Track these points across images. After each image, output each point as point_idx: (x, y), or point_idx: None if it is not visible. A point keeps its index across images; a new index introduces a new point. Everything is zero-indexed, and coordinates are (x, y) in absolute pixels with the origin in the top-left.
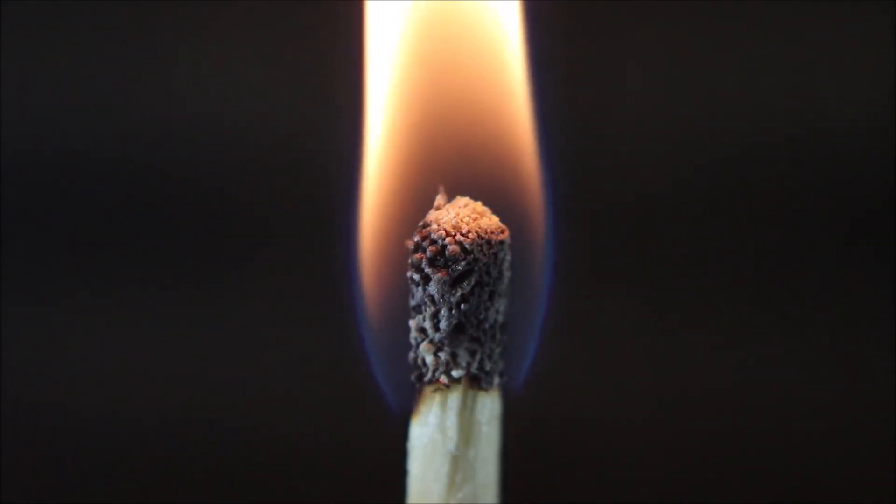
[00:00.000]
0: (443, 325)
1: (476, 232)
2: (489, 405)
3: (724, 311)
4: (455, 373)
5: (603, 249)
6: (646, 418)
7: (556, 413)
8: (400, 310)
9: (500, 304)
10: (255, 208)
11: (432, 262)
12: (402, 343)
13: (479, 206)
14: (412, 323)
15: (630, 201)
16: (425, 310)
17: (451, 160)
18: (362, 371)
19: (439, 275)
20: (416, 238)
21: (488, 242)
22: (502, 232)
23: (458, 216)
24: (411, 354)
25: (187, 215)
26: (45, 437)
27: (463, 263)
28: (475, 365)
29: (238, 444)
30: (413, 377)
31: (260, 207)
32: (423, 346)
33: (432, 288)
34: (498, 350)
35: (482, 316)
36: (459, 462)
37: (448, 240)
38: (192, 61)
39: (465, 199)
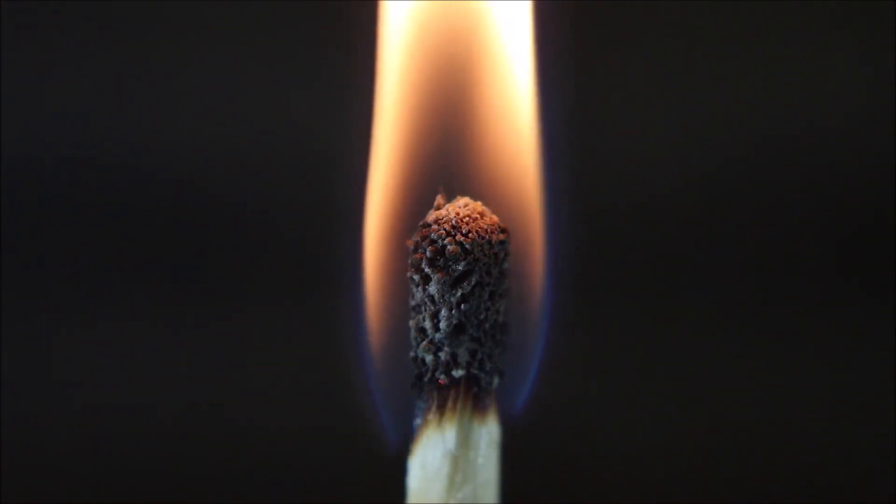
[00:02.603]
0: (443, 325)
1: (476, 232)
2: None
3: (728, 318)
4: (455, 373)
5: (603, 256)
6: (646, 421)
7: (557, 415)
8: (400, 310)
9: (501, 305)
10: (255, 211)
11: (432, 262)
12: (402, 345)
13: (479, 206)
14: (412, 323)
15: (631, 206)
16: (425, 310)
17: (451, 160)
18: (362, 374)
19: (439, 275)
20: (416, 238)
21: (488, 242)
22: (502, 232)
23: (458, 216)
24: (411, 354)
25: (187, 218)
26: (44, 437)
27: (463, 263)
28: (475, 365)
29: (236, 445)
30: (413, 377)
31: (260, 210)
32: (423, 346)
33: (432, 288)
34: (498, 350)
35: (482, 316)
36: (459, 462)
37: (448, 240)
38: (193, 63)
39: (465, 199)
